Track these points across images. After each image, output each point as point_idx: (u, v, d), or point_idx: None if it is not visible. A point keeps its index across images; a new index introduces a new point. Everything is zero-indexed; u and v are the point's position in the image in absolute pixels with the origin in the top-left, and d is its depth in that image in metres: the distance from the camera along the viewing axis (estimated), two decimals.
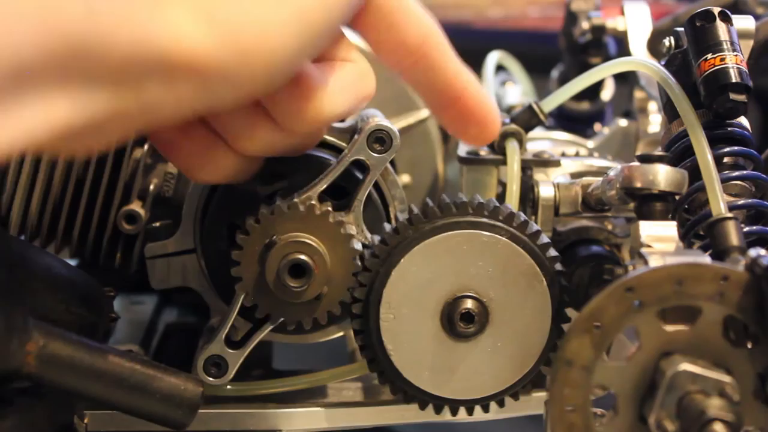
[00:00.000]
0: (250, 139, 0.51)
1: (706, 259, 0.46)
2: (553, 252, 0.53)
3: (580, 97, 0.85)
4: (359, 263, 0.54)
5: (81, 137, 0.42)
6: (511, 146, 0.64)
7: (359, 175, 0.58)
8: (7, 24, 0.37)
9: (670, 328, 0.45)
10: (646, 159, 0.51)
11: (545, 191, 0.62)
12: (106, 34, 0.39)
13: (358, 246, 0.56)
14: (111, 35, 0.40)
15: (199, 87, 0.43)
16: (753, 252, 0.45)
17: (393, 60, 0.53)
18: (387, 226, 0.54)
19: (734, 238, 0.49)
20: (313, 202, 0.55)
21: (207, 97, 0.44)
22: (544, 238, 0.53)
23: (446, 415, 0.57)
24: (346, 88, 0.51)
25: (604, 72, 0.65)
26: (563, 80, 0.90)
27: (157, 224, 0.62)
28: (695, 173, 0.53)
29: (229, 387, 0.60)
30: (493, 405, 0.56)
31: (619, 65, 0.64)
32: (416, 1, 0.53)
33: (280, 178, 0.58)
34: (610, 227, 0.64)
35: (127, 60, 0.40)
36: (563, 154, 0.71)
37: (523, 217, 0.53)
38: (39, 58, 0.38)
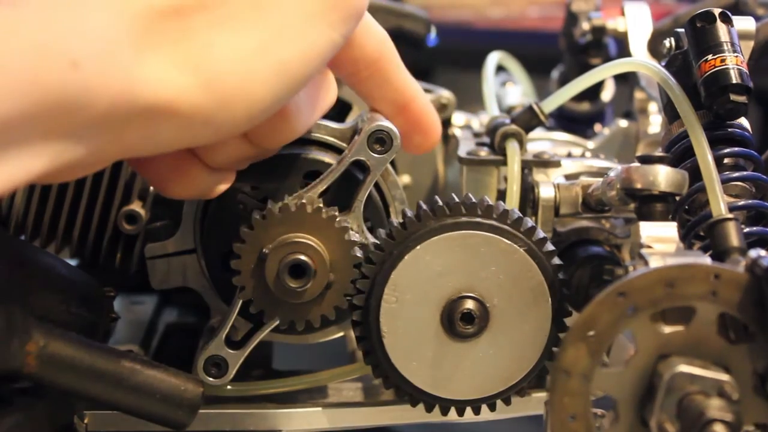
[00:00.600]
0: (221, 153, 0.52)
1: (704, 259, 0.46)
2: (562, 275, 0.53)
3: (580, 97, 0.85)
4: (360, 259, 0.54)
5: (57, 177, 0.43)
6: (512, 147, 0.64)
7: (359, 176, 0.58)
8: None
9: (666, 329, 0.45)
10: (646, 160, 0.51)
11: (545, 192, 0.62)
12: (90, 87, 0.39)
13: (357, 246, 0.56)
14: (95, 87, 0.40)
15: (180, 130, 0.44)
16: (753, 253, 0.45)
17: (348, 72, 0.56)
18: (408, 212, 0.54)
19: (734, 239, 0.49)
20: (312, 202, 0.55)
21: (186, 138, 0.45)
22: (558, 260, 0.53)
23: (437, 415, 0.56)
24: (315, 101, 0.53)
25: (604, 73, 0.65)
26: (563, 81, 0.90)
27: (158, 224, 0.62)
28: (695, 174, 0.53)
29: (229, 387, 0.60)
30: (478, 407, 0.56)
31: (620, 66, 0.64)
32: (370, 15, 0.54)
33: (278, 179, 0.58)
34: (609, 227, 0.64)
35: (111, 110, 0.41)
36: (569, 155, 0.71)
37: (542, 234, 0.53)
38: (19, 115, 0.38)
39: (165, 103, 0.42)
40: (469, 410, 0.56)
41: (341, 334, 0.63)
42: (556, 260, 0.53)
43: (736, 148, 0.56)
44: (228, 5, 0.44)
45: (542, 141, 0.78)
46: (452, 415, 0.56)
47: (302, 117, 0.52)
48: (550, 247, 0.53)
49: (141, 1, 0.42)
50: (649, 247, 0.49)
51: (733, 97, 0.55)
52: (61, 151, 0.41)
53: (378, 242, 0.54)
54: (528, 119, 0.65)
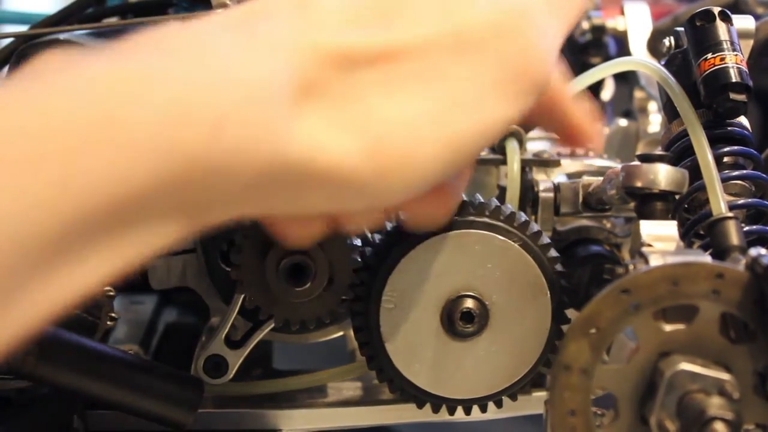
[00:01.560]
0: (361, 222, 0.47)
1: (704, 258, 0.46)
2: (560, 267, 0.53)
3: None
4: (359, 259, 0.54)
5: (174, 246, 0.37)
6: (511, 146, 0.64)
7: None
8: (108, 153, 0.31)
9: (668, 327, 0.45)
10: (646, 158, 0.51)
11: (545, 191, 0.62)
12: (235, 154, 0.34)
13: (357, 243, 0.56)
14: (241, 155, 0.34)
15: (331, 197, 0.39)
16: (753, 251, 0.45)
17: None
18: (401, 215, 0.54)
19: (734, 238, 0.49)
20: None
21: (334, 206, 0.41)
22: (554, 252, 0.53)
23: (444, 415, 0.56)
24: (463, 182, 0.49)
25: (604, 72, 0.65)
26: None
27: None
28: (695, 173, 0.53)
29: (229, 387, 0.60)
30: (484, 405, 0.56)
31: (619, 65, 0.64)
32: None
33: None
34: (609, 226, 0.64)
35: (257, 179, 0.36)
36: (572, 153, 0.71)
37: (536, 227, 0.53)
38: (147, 187, 0.32)
39: (321, 168, 0.37)
40: (473, 409, 0.56)
41: (341, 333, 0.63)
42: (553, 253, 0.53)
43: (736, 147, 0.56)
44: (403, 66, 0.39)
45: (542, 140, 0.78)
46: (457, 413, 0.56)
47: (455, 199, 0.48)
48: (545, 240, 0.53)
49: (315, 41, 0.37)
50: (650, 245, 0.49)
51: (732, 95, 0.55)
52: (190, 224, 0.35)
53: (374, 247, 0.53)
54: None
